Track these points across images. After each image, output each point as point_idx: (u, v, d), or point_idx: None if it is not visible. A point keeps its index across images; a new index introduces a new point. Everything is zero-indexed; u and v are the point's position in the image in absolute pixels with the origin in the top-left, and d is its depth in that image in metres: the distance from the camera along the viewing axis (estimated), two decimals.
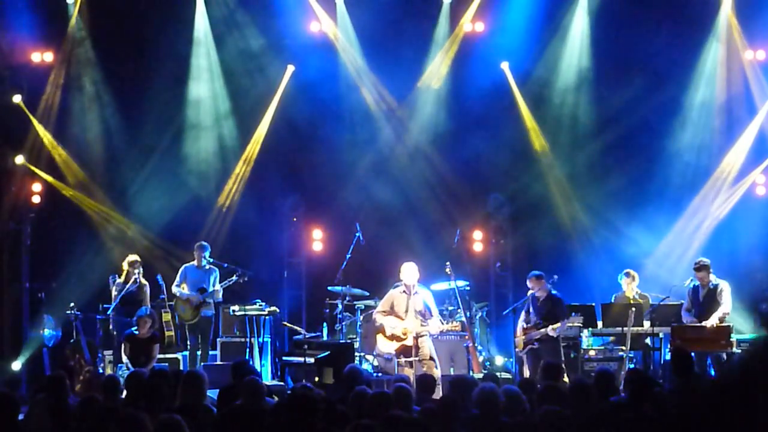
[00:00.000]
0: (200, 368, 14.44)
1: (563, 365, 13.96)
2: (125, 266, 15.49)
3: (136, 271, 15.41)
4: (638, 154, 17.73)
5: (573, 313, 14.16)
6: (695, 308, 14.24)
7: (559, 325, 13.84)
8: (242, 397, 8.02)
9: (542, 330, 13.95)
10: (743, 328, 15.29)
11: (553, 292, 14.24)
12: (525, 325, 14.23)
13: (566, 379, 14.02)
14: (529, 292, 14.29)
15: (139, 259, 15.68)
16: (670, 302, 14.58)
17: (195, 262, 15.91)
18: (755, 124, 17.73)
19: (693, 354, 11.65)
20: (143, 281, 15.52)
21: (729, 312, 14.06)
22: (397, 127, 18.48)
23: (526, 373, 14.10)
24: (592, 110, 18.03)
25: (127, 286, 15.33)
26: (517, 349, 14.52)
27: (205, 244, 16.09)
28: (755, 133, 17.73)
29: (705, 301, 14.16)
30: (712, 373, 13.80)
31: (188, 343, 15.87)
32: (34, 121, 17.58)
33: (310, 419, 7.11)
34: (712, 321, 13.85)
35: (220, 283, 15.84)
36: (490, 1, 18.02)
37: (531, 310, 14.24)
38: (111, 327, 15.42)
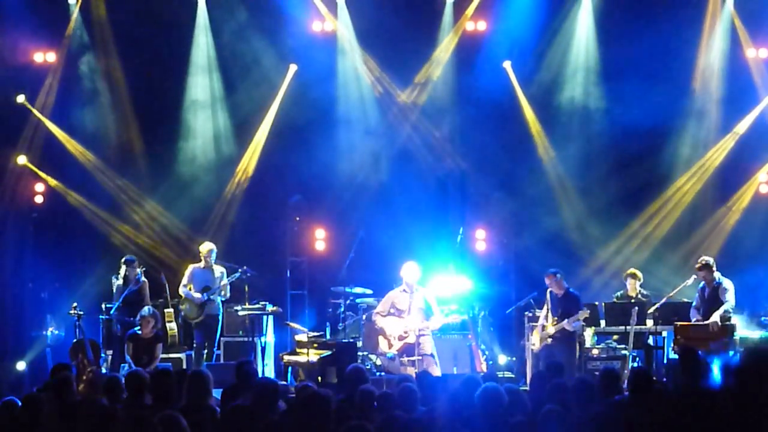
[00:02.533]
0: (204, 367, 14.43)
1: (576, 362, 14.04)
2: (122, 265, 15.50)
3: (135, 270, 15.41)
4: (643, 153, 17.70)
5: (583, 306, 14.23)
6: (702, 307, 14.24)
7: (574, 318, 13.89)
8: (253, 398, 7.99)
9: (558, 325, 14.00)
10: (747, 328, 15.25)
11: (571, 290, 14.31)
12: (545, 323, 14.27)
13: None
14: (548, 290, 14.34)
15: (135, 258, 15.69)
16: (672, 301, 14.59)
17: (202, 263, 15.90)
18: (757, 121, 17.77)
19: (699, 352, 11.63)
20: (144, 280, 15.53)
21: (731, 309, 14.06)
22: (400, 126, 18.48)
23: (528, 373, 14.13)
24: (596, 108, 18.01)
25: (129, 285, 15.35)
26: (533, 347, 14.53)
27: (212, 245, 16.09)
28: (758, 131, 17.76)
29: (709, 299, 14.16)
30: (714, 371, 13.76)
31: (194, 342, 15.89)
32: (43, 119, 17.62)
33: (322, 419, 7.10)
34: (713, 319, 13.85)
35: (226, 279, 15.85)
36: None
37: (550, 307, 14.28)
38: (113, 327, 15.44)
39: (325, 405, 7.12)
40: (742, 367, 5.36)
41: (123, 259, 15.58)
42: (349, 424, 6.77)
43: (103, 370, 14.89)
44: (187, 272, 15.92)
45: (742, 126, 17.74)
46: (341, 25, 18.15)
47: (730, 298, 14.07)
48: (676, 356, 12.89)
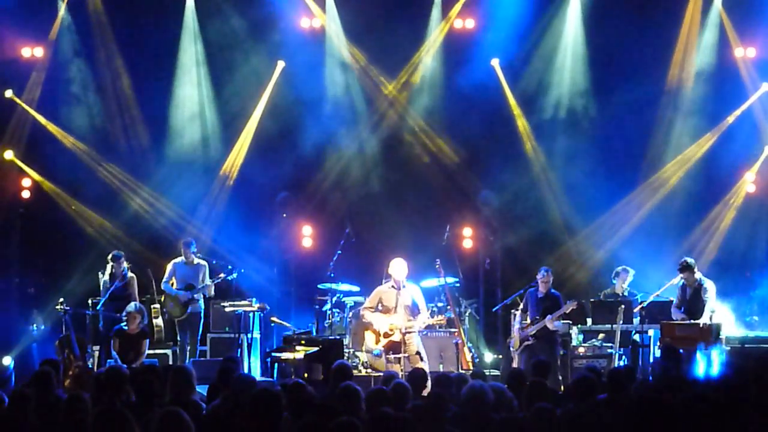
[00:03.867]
0: (188, 363, 14.44)
1: (558, 362, 14.07)
2: (109, 261, 15.48)
3: (122, 266, 15.39)
4: (631, 150, 17.74)
5: (568, 301, 14.22)
6: (683, 306, 14.31)
7: (558, 313, 13.90)
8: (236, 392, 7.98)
9: (539, 323, 14.01)
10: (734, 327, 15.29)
11: (552, 289, 14.37)
12: (522, 324, 14.28)
13: (560, 376, 14.10)
14: (531, 289, 14.37)
15: (122, 253, 15.66)
16: (659, 299, 14.63)
17: (183, 258, 15.92)
18: (745, 120, 17.84)
19: (681, 351, 11.68)
20: (131, 275, 15.52)
21: (714, 309, 14.10)
22: (388, 125, 18.47)
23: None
24: (584, 106, 18.01)
25: (116, 282, 15.32)
26: (512, 348, 14.56)
27: (191, 239, 16.14)
28: (745, 130, 17.82)
29: (691, 299, 14.25)
30: (697, 370, 13.79)
31: (178, 339, 15.89)
32: (32, 112, 17.57)
33: (275, 417, 7.09)
34: (704, 319, 13.88)
35: (210, 278, 15.86)
36: None
37: (529, 307, 14.29)
38: (99, 323, 15.41)
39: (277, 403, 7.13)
40: (727, 377, 5.40)
41: (110, 255, 15.56)
42: (339, 421, 6.77)
43: (89, 366, 14.89)
44: (169, 267, 15.95)
45: (729, 121, 17.80)
46: (329, 21, 18.12)
47: (711, 299, 14.10)
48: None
